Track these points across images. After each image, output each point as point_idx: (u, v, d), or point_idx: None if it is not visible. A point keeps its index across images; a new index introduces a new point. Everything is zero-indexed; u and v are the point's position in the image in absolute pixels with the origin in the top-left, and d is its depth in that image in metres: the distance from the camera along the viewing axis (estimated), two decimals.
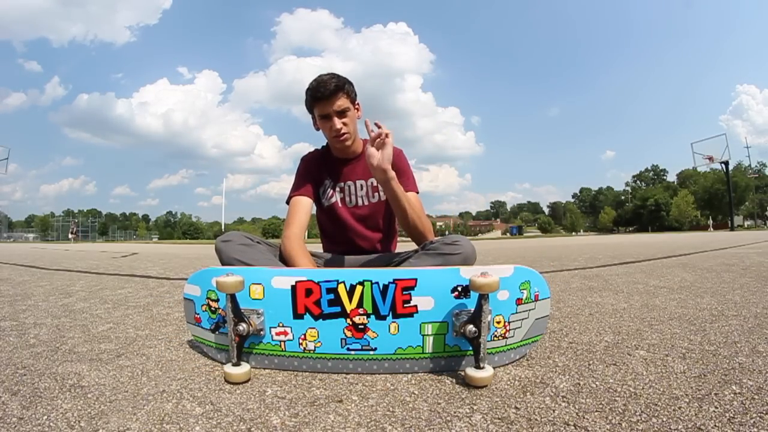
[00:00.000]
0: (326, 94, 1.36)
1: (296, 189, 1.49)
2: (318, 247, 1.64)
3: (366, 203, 1.51)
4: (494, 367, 0.95)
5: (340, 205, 1.51)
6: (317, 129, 1.48)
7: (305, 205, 1.47)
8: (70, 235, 33.45)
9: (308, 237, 1.50)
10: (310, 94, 1.39)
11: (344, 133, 1.41)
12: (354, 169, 1.51)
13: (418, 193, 1.51)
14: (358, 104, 1.48)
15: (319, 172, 1.53)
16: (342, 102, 1.39)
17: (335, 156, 1.52)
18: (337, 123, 1.39)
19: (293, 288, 0.99)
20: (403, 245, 1.53)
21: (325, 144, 1.56)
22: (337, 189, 1.51)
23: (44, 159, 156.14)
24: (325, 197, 1.53)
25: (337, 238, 1.55)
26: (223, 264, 1.27)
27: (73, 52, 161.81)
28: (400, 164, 1.48)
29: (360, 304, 0.98)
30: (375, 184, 1.49)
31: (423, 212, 1.44)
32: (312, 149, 1.61)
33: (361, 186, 1.50)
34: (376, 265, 1.44)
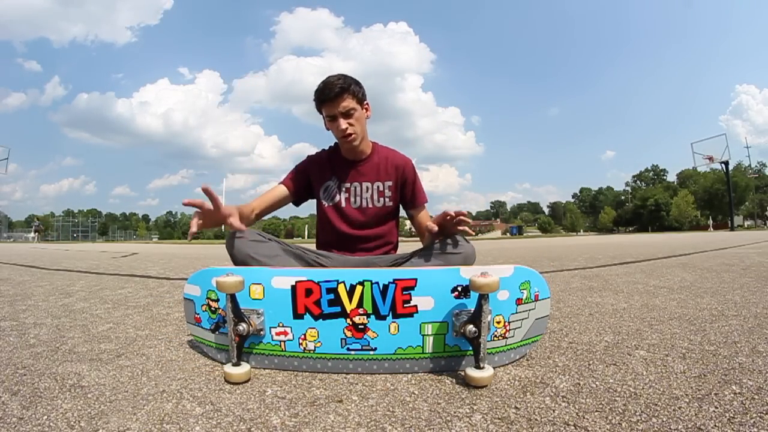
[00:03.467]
0: (331, 96, 1.38)
1: (285, 179, 1.54)
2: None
3: (371, 206, 1.51)
4: (494, 367, 0.95)
5: (343, 204, 1.51)
6: (327, 129, 1.50)
7: (280, 193, 1.51)
8: (32, 234, 29.31)
9: (308, 237, 1.50)
10: (317, 96, 1.42)
11: (350, 134, 1.42)
12: (362, 170, 1.51)
13: (426, 202, 1.56)
14: (367, 104, 1.49)
15: (321, 172, 1.53)
16: (348, 103, 1.40)
17: (344, 156, 1.53)
18: (343, 123, 1.40)
19: (293, 288, 0.99)
20: (404, 246, 1.53)
21: (334, 143, 1.57)
22: (343, 189, 1.52)
23: (44, 159, 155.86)
24: (327, 196, 1.53)
25: (339, 238, 1.55)
26: (233, 259, 1.27)
27: (74, 52, 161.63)
28: (413, 176, 1.54)
29: (360, 304, 0.98)
30: (381, 188, 1.51)
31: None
32: (312, 149, 1.63)
33: (367, 188, 1.51)
34: (377, 265, 1.44)
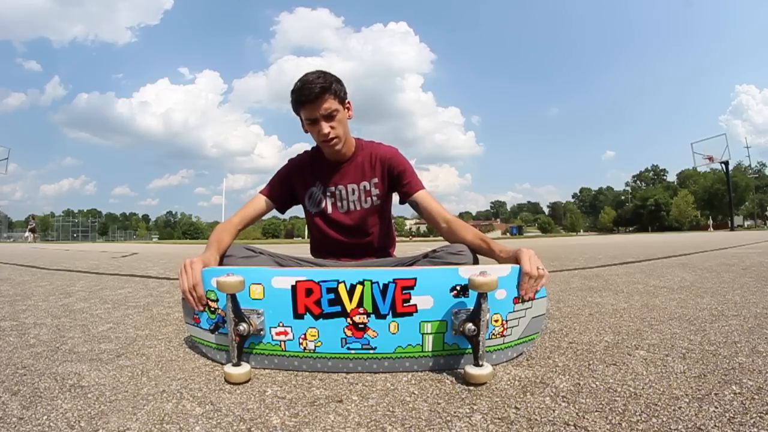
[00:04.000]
0: (311, 97, 1.27)
1: (265, 188, 1.45)
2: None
3: (359, 208, 1.43)
4: (492, 365, 0.95)
5: (330, 210, 1.44)
6: (306, 131, 1.40)
7: (260, 205, 1.42)
8: (27, 233, 26.02)
9: (307, 237, 1.48)
10: (295, 97, 1.31)
11: (333, 138, 1.32)
12: (346, 172, 1.43)
13: (424, 188, 1.42)
14: (348, 103, 1.38)
15: (304, 178, 1.45)
16: (329, 104, 1.29)
17: (326, 158, 1.44)
18: (325, 127, 1.30)
19: (293, 288, 0.99)
20: (403, 246, 1.52)
21: (316, 145, 1.46)
22: (328, 194, 1.44)
23: (44, 159, 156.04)
24: (312, 203, 1.45)
25: (332, 246, 1.47)
26: None
27: (74, 52, 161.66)
28: (401, 165, 1.42)
29: (360, 304, 0.98)
30: (368, 188, 1.42)
31: (444, 212, 1.35)
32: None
33: (353, 190, 1.42)
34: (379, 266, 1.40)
